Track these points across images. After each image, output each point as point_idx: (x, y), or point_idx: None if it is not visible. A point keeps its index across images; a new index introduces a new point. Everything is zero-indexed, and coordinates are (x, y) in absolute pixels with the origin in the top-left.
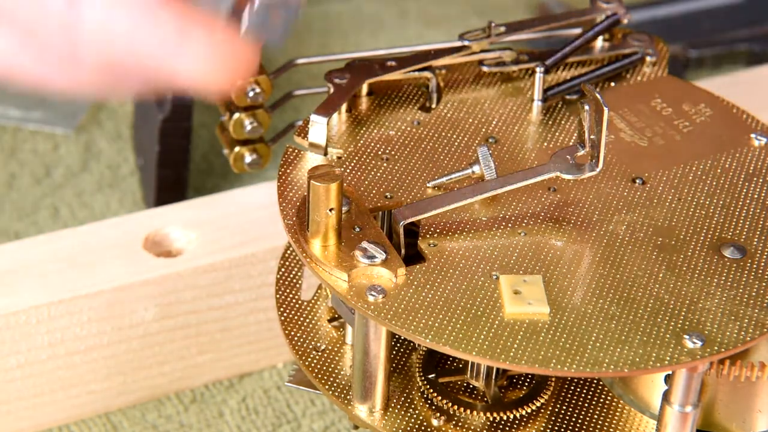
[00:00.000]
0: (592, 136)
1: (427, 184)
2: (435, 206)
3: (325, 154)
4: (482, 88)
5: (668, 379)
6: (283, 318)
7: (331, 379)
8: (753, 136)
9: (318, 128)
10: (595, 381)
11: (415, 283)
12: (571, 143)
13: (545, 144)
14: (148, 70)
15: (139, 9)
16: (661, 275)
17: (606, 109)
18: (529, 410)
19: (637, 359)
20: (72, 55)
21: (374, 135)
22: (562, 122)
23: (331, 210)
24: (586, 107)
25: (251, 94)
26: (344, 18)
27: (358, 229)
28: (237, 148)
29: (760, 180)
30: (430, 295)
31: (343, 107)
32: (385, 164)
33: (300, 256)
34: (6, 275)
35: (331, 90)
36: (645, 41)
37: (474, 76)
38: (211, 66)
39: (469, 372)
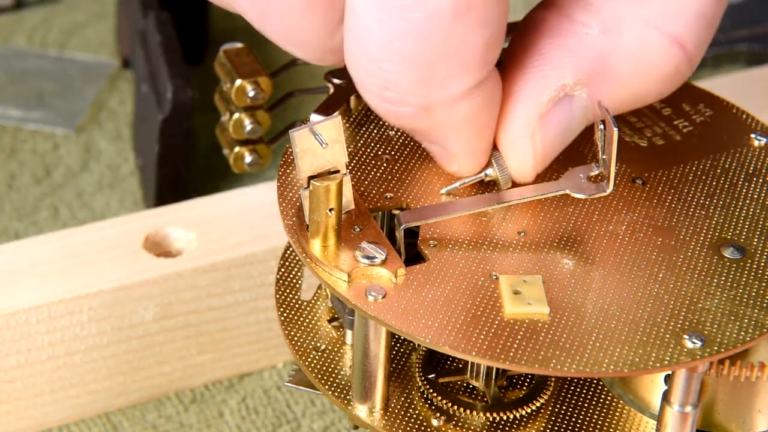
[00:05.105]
0: (604, 156)
1: (441, 191)
2: (438, 214)
3: None
4: None
5: (668, 379)
6: (283, 318)
7: (331, 379)
8: (753, 136)
9: None
10: (595, 381)
11: (415, 283)
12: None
13: None
14: None
15: None
16: (661, 275)
17: (615, 129)
18: (529, 410)
19: (637, 359)
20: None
21: (374, 135)
22: None
23: (331, 210)
24: (601, 126)
25: (251, 94)
26: None
27: (358, 229)
28: (237, 148)
29: (760, 180)
30: (430, 295)
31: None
32: (385, 164)
33: (300, 257)
34: (6, 275)
35: (331, 90)
36: None
37: None
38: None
39: (469, 372)
